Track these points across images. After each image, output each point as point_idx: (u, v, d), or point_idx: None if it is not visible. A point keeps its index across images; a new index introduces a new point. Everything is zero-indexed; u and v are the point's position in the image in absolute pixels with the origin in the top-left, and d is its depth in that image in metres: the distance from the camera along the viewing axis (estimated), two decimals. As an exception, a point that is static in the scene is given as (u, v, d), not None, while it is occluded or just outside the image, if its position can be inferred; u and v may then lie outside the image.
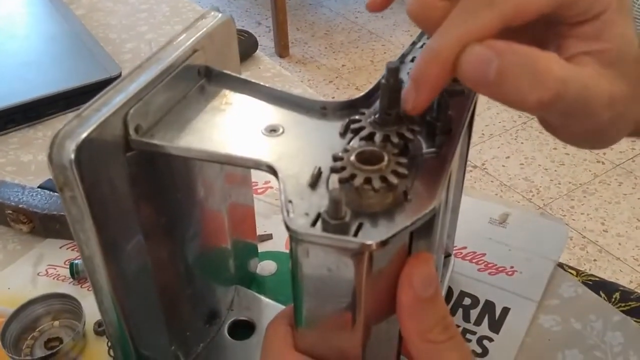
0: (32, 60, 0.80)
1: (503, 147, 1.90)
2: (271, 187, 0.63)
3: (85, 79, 0.74)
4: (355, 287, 0.28)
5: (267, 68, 0.85)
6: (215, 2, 2.76)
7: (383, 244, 0.26)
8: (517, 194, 1.72)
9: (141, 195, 0.33)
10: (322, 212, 0.27)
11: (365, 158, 0.29)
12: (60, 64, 0.79)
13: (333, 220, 0.26)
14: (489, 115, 2.02)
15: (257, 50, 0.88)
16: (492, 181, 1.77)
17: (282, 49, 2.41)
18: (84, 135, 0.28)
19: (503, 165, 1.83)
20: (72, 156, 0.28)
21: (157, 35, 0.91)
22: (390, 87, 0.30)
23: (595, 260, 1.52)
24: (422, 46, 0.40)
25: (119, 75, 0.75)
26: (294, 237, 0.27)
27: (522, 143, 1.91)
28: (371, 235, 0.27)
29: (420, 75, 0.28)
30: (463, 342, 0.29)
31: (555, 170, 1.80)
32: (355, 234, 0.27)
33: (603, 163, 1.81)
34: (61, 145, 0.28)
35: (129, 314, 0.35)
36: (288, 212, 0.28)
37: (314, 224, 0.27)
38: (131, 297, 0.35)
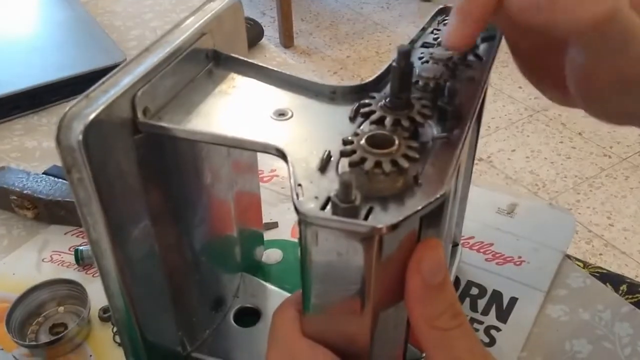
0: (37, 46, 0.80)
1: (509, 140, 1.89)
2: (277, 176, 0.62)
3: (90, 66, 0.74)
4: (365, 272, 0.28)
5: (272, 56, 0.85)
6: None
7: (393, 227, 0.26)
8: (523, 187, 1.71)
9: (148, 179, 0.33)
10: (332, 195, 0.26)
11: (375, 142, 0.28)
12: (65, 51, 0.79)
13: (343, 204, 0.26)
14: (495, 108, 2.01)
15: (263, 39, 0.87)
16: (497, 174, 1.76)
17: (286, 40, 2.40)
18: (92, 116, 0.28)
19: (509, 158, 1.82)
20: (80, 137, 0.27)
21: (163, 23, 0.91)
22: (401, 70, 0.30)
23: (601, 254, 1.52)
24: (432, 32, 0.40)
25: (123, 62, 0.75)
26: (304, 221, 0.26)
27: (528, 136, 1.90)
28: (381, 219, 0.26)
29: (467, 6, 0.27)
30: (471, 329, 0.29)
31: (562, 164, 1.79)
32: (365, 218, 0.26)
33: (610, 157, 1.80)
34: (69, 126, 0.28)
35: (136, 299, 0.34)
36: (297, 195, 0.27)
37: (323, 207, 0.27)
38: (138, 282, 0.34)
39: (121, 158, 0.31)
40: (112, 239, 0.31)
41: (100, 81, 0.30)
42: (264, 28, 0.89)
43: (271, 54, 0.85)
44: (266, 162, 0.62)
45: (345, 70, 2.29)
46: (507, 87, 2.10)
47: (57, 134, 0.28)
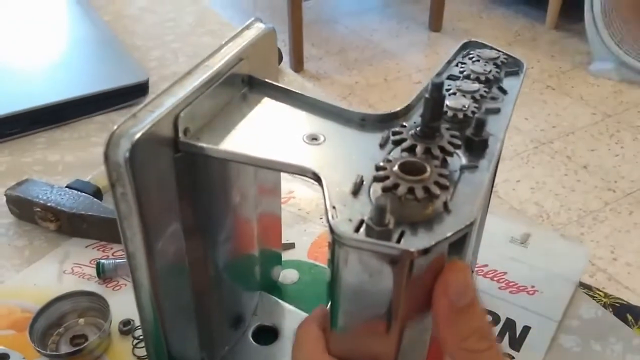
0: (61, 63, 0.82)
1: (514, 171, 1.90)
2: (294, 198, 0.64)
3: (113, 84, 0.76)
4: (394, 294, 0.29)
5: (290, 80, 0.87)
6: (232, 15, 2.80)
7: (425, 252, 0.27)
8: (527, 219, 1.72)
9: (184, 196, 0.34)
10: (367, 219, 0.28)
11: (408, 168, 0.30)
12: (89, 68, 0.81)
13: (377, 227, 0.27)
14: (500, 139, 2.02)
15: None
16: (502, 204, 1.77)
17: (297, 64, 2.43)
18: (139, 135, 0.29)
19: (513, 189, 1.83)
20: (127, 155, 0.29)
21: (183, 45, 0.93)
22: (433, 101, 0.31)
23: (603, 287, 1.51)
24: (457, 65, 0.41)
25: (147, 81, 0.77)
26: (338, 241, 0.28)
27: (533, 167, 1.92)
28: (413, 243, 0.27)
29: None
30: (501, 354, 0.29)
31: (566, 196, 1.80)
32: (398, 242, 0.27)
33: (614, 191, 1.81)
34: (117, 143, 0.29)
35: (165, 312, 0.35)
36: (333, 216, 0.28)
37: (357, 230, 0.28)
38: (168, 296, 0.35)
39: (162, 175, 0.32)
40: (147, 252, 0.32)
41: (146, 101, 0.31)
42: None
43: (289, 78, 0.87)
44: (283, 184, 0.63)
45: (353, 95, 2.31)
46: (513, 118, 2.12)
47: (106, 150, 0.29)
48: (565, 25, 2.70)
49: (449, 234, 0.28)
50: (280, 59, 0.88)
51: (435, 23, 2.73)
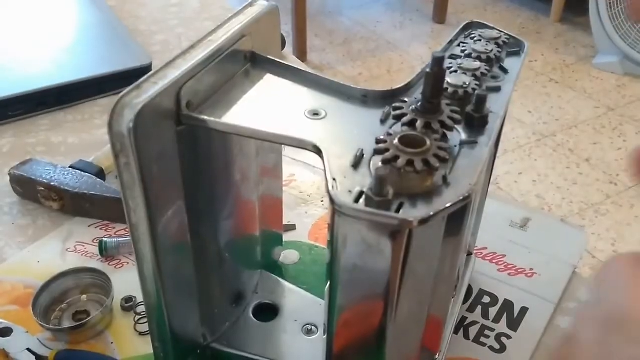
0: (65, 46, 0.82)
1: (516, 163, 1.90)
2: (295, 180, 0.64)
3: (117, 67, 0.76)
4: (393, 265, 0.29)
5: (293, 67, 0.87)
6: (236, 3, 2.80)
7: (423, 221, 0.27)
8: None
9: (187, 170, 0.35)
10: (366, 189, 0.28)
11: (408, 141, 0.30)
12: (93, 51, 0.81)
13: (377, 197, 0.28)
14: (503, 131, 2.02)
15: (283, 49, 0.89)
16: (503, 196, 1.77)
17: (300, 55, 2.43)
18: (142, 105, 0.30)
19: (515, 181, 1.83)
20: (131, 125, 0.29)
21: (187, 30, 0.93)
22: (434, 76, 0.31)
23: (603, 279, 1.52)
24: (459, 45, 0.41)
25: (150, 65, 0.77)
26: (338, 211, 0.28)
27: (535, 160, 1.92)
28: (412, 214, 0.28)
29: None
30: None
31: (568, 189, 1.80)
32: (397, 212, 0.28)
33: (616, 184, 1.81)
34: (121, 113, 0.29)
35: (167, 285, 0.36)
36: (333, 187, 0.29)
37: (356, 200, 0.28)
38: (170, 269, 0.36)
39: (164, 148, 0.32)
40: (150, 223, 0.33)
41: (150, 73, 0.32)
42: (284, 39, 0.91)
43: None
44: (285, 167, 0.64)
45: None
46: (516, 111, 2.12)
47: (110, 121, 0.29)
48: (570, 18, 2.69)
49: (447, 205, 0.28)
50: (283, 44, 0.88)
51: (440, 15, 2.72)
